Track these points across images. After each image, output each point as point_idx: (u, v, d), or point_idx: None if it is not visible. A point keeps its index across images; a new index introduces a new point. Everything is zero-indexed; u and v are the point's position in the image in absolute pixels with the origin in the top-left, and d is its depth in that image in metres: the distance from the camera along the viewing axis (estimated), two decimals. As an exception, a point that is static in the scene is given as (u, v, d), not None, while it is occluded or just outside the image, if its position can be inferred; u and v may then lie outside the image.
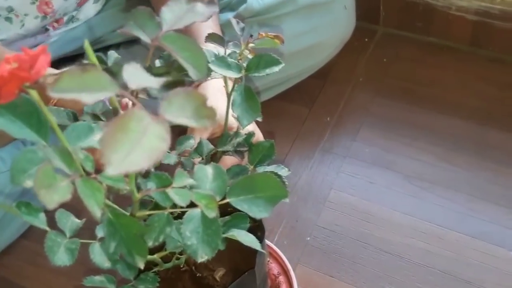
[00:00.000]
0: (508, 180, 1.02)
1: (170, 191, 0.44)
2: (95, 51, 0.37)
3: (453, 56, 1.25)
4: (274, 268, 0.89)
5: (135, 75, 0.30)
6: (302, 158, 1.09)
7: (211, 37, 0.60)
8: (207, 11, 0.39)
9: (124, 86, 0.29)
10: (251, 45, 0.59)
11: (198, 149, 0.66)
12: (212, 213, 0.43)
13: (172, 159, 0.65)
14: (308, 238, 0.97)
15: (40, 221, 0.50)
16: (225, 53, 0.59)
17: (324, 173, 1.07)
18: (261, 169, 0.63)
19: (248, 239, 0.52)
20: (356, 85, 1.22)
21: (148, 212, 0.47)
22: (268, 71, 0.55)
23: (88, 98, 0.29)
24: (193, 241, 0.45)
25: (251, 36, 0.59)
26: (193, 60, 0.35)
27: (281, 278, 0.88)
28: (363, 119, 1.15)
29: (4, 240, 0.98)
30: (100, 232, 0.55)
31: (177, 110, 0.30)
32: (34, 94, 0.36)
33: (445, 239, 0.95)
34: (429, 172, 1.04)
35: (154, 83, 0.30)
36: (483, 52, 1.24)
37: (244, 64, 0.56)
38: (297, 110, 1.18)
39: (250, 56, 0.58)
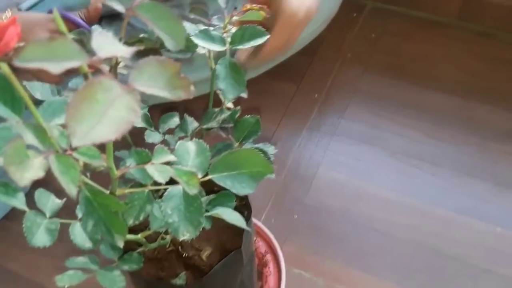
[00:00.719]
0: (493, 155, 1.02)
1: (149, 167, 0.43)
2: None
3: (442, 30, 1.24)
4: (262, 247, 0.89)
5: (105, 44, 0.29)
6: (290, 136, 1.09)
7: (194, 10, 0.58)
8: None
9: (94, 55, 0.28)
10: (235, 18, 0.58)
11: (182, 127, 0.65)
12: (194, 190, 0.42)
13: (156, 137, 0.63)
14: (296, 216, 0.96)
15: (19, 201, 0.49)
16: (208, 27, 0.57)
17: (312, 150, 1.06)
18: (247, 146, 0.62)
19: (233, 218, 0.51)
20: (344, 61, 1.21)
21: (128, 190, 0.46)
22: (253, 43, 0.54)
23: (55, 67, 0.27)
24: (175, 219, 0.44)
25: (235, 8, 0.58)
26: (170, 30, 0.33)
27: (268, 257, 0.88)
28: (351, 96, 1.14)
29: None
30: (80, 212, 0.54)
31: (149, 80, 0.29)
32: (4, 67, 0.34)
33: (431, 215, 0.95)
34: (416, 148, 1.04)
35: (124, 52, 0.29)
36: (471, 27, 1.23)
37: (228, 38, 0.55)
38: (285, 87, 1.17)
39: (234, 30, 0.56)
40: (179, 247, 0.68)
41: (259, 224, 0.90)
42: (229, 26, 0.58)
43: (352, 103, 1.13)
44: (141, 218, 0.46)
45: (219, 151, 0.59)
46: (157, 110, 1.03)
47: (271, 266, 0.86)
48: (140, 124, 0.62)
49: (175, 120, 0.65)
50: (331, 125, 1.09)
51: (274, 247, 0.88)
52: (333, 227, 0.94)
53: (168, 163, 0.44)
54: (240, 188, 0.46)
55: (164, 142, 0.64)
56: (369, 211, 0.96)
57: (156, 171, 0.42)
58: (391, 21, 1.28)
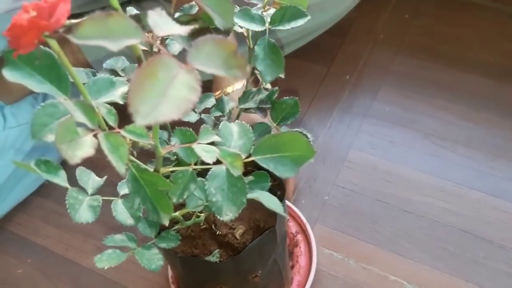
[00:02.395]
0: (530, 138, 1.00)
1: (196, 147, 0.43)
2: (102, 8, 0.35)
3: (475, 12, 1.21)
4: (292, 227, 0.89)
5: (162, 22, 0.29)
6: (320, 118, 1.08)
7: None
8: None
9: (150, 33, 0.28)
10: None
11: (219, 106, 0.65)
12: (238, 171, 0.42)
13: (193, 116, 0.64)
14: (327, 197, 0.97)
15: (61, 179, 0.49)
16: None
17: (343, 132, 1.05)
18: (284, 129, 0.62)
19: (271, 202, 0.51)
20: (377, 43, 1.19)
21: (171, 169, 0.47)
22: (293, 24, 0.53)
23: (113, 45, 0.27)
24: (218, 198, 0.44)
25: None
26: (219, 9, 0.33)
27: (299, 237, 0.88)
28: (383, 78, 1.13)
29: (16, 196, 0.98)
30: (122, 189, 0.55)
31: (206, 59, 0.28)
32: (54, 44, 0.35)
33: (465, 197, 0.94)
34: (450, 130, 1.03)
35: (181, 30, 0.29)
36: (506, 9, 1.21)
37: (268, 18, 0.54)
38: (315, 68, 1.16)
39: (273, 10, 0.56)
40: (213, 225, 0.68)
41: (290, 204, 0.90)
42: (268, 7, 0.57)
43: (385, 84, 1.12)
44: (185, 196, 0.47)
45: (261, 133, 0.59)
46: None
47: (302, 246, 0.87)
48: None
49: (211, 100, 0.65)
50: (363, 106, 1.09)
51: (305, 228, 0.88)
52: (364, 208, 0.94)
53: (212, 143, 0.44)
54: (283, 171, 0.45)
55: (201, 121, 0.64)
56: (402, 193, 0.95)
57: (203, 150, 0.42)
58: (425, 2, 1.25)
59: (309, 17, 0.53)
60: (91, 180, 0.55)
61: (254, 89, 0.62)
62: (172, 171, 0.47)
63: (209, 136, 0.44)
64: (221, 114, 0.66)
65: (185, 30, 0.29)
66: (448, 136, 1.02)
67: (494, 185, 0.95)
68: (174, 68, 0.27)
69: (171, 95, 0.26)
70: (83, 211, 0.50)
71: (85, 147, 0.34)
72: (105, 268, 0.53)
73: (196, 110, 0.65)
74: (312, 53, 1.15)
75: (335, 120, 1.07)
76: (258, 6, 0.55)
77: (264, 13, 0.55)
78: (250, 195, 0.50)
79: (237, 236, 0.68)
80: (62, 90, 0.41)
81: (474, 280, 0.84)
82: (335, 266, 0.88)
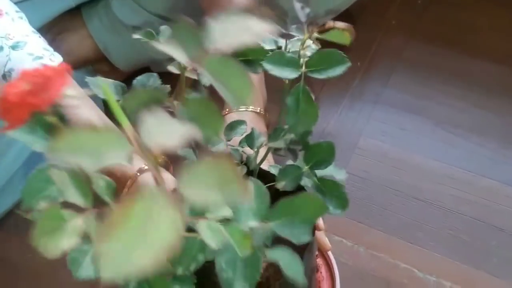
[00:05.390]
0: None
1: (202, 224, 0.37)
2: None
3: (490, -1, 1.20)
4: None
5: (157, 128, 0.25)
6: (331, 104, 1.07)
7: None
8: (263, 30, 0.30)
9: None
10: (315, 35, 0.49)
11: (248, 139, 0.58)
12: (245, 251, 0.36)
13: (220, 146, 0.58)
14: (337, 185, 0.96)
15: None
16: (285, 45, 0.49)
17: (354, 119, 1.05)
18: (318, 173, 0.55)
19: (292, 269, 0.42)
20: (389, 29, 1.18)
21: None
22: (331, 72, 0.46)
23: (90, 165, 0.24)
24: (229, 275, 0.39)
25: (316, 23, 0.49)
26: (238, 91, 0.29)
27: (320, 261, 0.81)
28: (395, 64, 1.11)
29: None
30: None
31: (200, 184, 0.25)
32: (52, 119, 0.32)
33: (477, 185, 0.93)
34: (462, 117, 1.02)
35: (176, 140, 0.25)
36: (521, -5, 1.19)
37: (303, 59, 0.46)
38: (326, 55, 1.15)
39: (313, 47, 0.49)
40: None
41: None
42: (308, 42, 0.49)
43: (396, 71, 1.10)
44: (192, 268, 0.41)
45: (292, 178, 0.53)
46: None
47: (323, 271, 0.82)
48: None
49: (242, 128, 0.59)
50: (374, 93, 1.08)
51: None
52: (375, 196, 0.94)
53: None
54: (298, 235, 0.40)
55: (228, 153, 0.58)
56: (413, 181, 0.95)
57: (209, 229, 0.36)
58: (438, -13, 1.24)
59: (349, 65, 0.46)
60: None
61: (285, 127, 0.53)
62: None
63: (220, 209, 0.38)
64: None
65: (180, 138, 0.25)
66: (460, 124, 1.01)
67: (506, 173, 0.94)
68: (158, 203, 0.23)
69: (149, 238, 0.22)
70: (87, 265, 0.45)
71: (70, 235, 0.30)
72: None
73: (225, 137, 0.59)
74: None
75: (345, 107, 1.07)
76: (296, 39, 0.49)
77: (301, 53, 0.48)
78: (269, 256, 0.41)
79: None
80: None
81: (485, 268, 0.84)
82: (344, 254, 0.88)
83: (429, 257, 0.86)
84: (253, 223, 0.39)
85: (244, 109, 0.77)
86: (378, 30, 1.18)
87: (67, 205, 0.31)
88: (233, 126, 0.58)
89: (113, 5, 1.01)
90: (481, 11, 1.18)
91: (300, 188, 0.52)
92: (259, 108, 0.80)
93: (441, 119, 1.02)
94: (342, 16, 1.10)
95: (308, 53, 0.47)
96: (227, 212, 0.38)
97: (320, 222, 0.75)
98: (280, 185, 0.52)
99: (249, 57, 0.48)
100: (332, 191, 0.52)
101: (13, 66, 0.65)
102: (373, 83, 1.09)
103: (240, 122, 0.58)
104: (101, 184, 0.34)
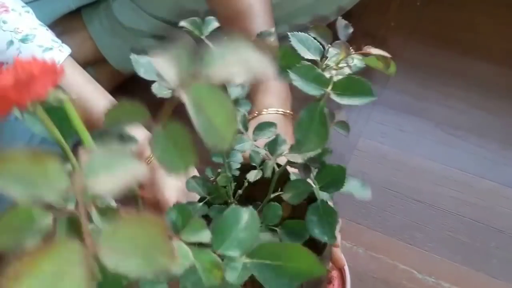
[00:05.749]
0: (544, 128, 0.99)
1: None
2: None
3: (489, -1, 1.20)
4: None
5: (101, 165, 0.23)
6: (331, 105, 1.07)
7: (316, 29, 0.46)
8: (264, 73, 0.27)
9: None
10: (355, 56, 0.47)
11: (270, 145, 0.55)
12: (212, 282, 0.33)
13: (246, 145, 0.56)
14: (336, 186, 0.96)
15: None
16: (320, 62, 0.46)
17: (353, 120, 1.04)
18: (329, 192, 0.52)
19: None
20: (388, 30, 1.18)
21: None
22: (353, 100, 0.44)
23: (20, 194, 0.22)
24: None
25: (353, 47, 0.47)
26: (221, 128, 0.26)
27: (334, 273, 0.80)
28: (395, 65, 1.11)
29: None
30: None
31: (123, 244, 0.22)
32: (41, 113, 0.30)
33: (476, 187, 0.93)
34: (461, 119, 1.02)
35: (119, 183, 0.22)
36: (521, -5, 1.19)
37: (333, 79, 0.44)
38: (326, 56, 1.15)
39: (358, 65, 0.47)
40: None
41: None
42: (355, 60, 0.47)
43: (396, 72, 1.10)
44: None
45: (298, 193, 0.51)
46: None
47: (335, 284, 0.80)
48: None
49: (271, 130, 0.56)
50: (373, 95, 1.07)
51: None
52: (374, 197, 0.92)
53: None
54: (277, 285, 0.35)
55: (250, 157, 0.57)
56: (412, 182, 0.94)
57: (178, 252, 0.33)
58: (437, -12, 1.24)
59: (374, 98, 0.44)
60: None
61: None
62: None
63: (197, 232, 0.35)
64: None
65: (129, 181, 0.23)
66: (460, 125, 1.01)
67: (506, 175, 0.93)
68: (69, 261, 0.21)
69: None
70: None
71: (35, 235, 0.26)
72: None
73: (253, 136, 0.57)
74: (323, 41, 1.14)
75: (344, 108, 1.06)
76: (334, 54, 0.46)
77: (333, 72, 0.45)
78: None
79: None
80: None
81: (485, 270, 0.83)
82: (344, 255, 0.87)
83: (429, 258, 0.85)
84: (233, 253, 0.35)
85: (274, 111, 0.75)
86: (377, 31, 1.18)
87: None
88: (262, 127, 0.56)
89: (114, 7, 1.01)
90: (480, 12, 1.18)
91: (312, 200, 0.50)
92: (288, 110, 0.78)
93: (441, 120, 1.02)
94: (343, 16, 1.09)
95: (339, 75, 0.45)
96: (206, 238, 0.35)
97: (338, 238, 0.72)
98: (286, 196, 0.51)
99: (285, 63, 0.46)
100: (327, 216, 0.50)
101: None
102: (372, 84, 1.09)
103: (270, 124, 0.56)
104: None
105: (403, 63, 1.11)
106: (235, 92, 0.55)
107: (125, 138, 0.34)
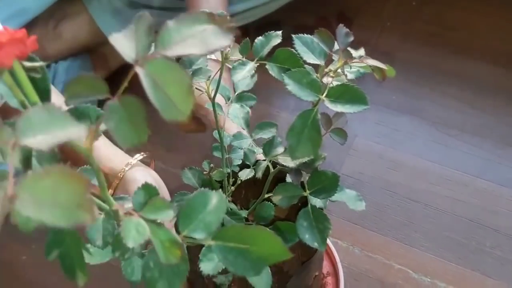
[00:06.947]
0: (539, 127, 0.99)
1: (131, 220, 0.33)
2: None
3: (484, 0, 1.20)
4: (324, 267, 0.81)
5: (39, 126, 0.24)
6: (326, 105, 1.07)
7: (320, 34, 0.46)
8: (218, 44, 0.28)
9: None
10: (354, 63, 0.47)
11: (266, 146, 0.54)
12: (170, 260, 0.33)
13: (246, 142, 0.57)
14: (332, 186, 0.96)
15: None
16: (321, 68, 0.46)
17: (348, 120, 1.04)
18: (333, 197, 0.52)
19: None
20: (384, 30, 1.18)
21: None
22: (348, 108, 0.43)
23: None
24: (155, 274, 0.36)
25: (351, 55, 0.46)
26: (177, 99, 0.26)
27: (329, 279, 0.79)
28: (390, 65, 1.11)
29: None
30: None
31: (43, 196, 0.22)
32: (7, 79, 0.30)
33: (472, 186, 0.93)
34: (456, 118, 1.02)
35: (52, 142, 0.23)
36: (516, -5, 1.19)
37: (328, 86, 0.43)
38: (321, 56, 1.15)
39: (362, 71, 0.47)
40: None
41: (328, 241, 0.75)
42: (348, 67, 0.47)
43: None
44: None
45: (287, 198, 0.51)
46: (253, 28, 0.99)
47: (329, 280, 0.79)
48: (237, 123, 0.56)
49: (271, 131, 0.57)
50: (368, 94, 1.07)
51: (338, 270, 0.79)
52: (370, 197, 0.94)
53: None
54: (243, 268, 0.34)
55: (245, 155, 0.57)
56: (408, 181, 0.94)
57: (135, 228, 0.33)
58: (433, -12, 1.24)
59: (367, 107, 0.43)
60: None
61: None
62: None
63: (160, 210, 0.35)
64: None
65: (62, 140, 0.23)
66: (455, 124, 1.01)
67: (501, 174, 0.94)
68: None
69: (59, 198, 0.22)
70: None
71: None
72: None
73: (253, 135, 0.58)
74: (318, 40, 1.14)
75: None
76: (334, 62, 0.46)
77: (329, 79, 0.44)
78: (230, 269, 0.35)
79: None
80: None
81: (480, 269, 0.84)
82: (340, 255, 0.87)
83: (424, 258, 0.85)
84: (199, 235, 0.35)
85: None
86: (373, 31, 1.18)
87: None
88: (262, 126, 0.57)
89: None
90: (475, 12, 1.18)
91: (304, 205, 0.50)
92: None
93: (436, 120, 1.02)
94: (338, 16, 1.10)
95: (337, 82, 0.45)
96: (168, 216, 0.35)
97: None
98: (276, 199, 0.51)
99: (285, 65, 0.46)
100: (318, 223, 0.49)
101: None
102: (367, 84, 1.09)
103: (271, 125, 0.57)
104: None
105: (398, 63, 1.11)
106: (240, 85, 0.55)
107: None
